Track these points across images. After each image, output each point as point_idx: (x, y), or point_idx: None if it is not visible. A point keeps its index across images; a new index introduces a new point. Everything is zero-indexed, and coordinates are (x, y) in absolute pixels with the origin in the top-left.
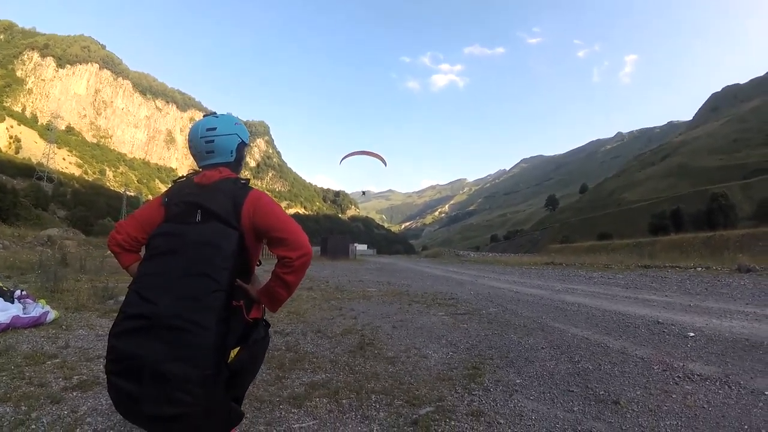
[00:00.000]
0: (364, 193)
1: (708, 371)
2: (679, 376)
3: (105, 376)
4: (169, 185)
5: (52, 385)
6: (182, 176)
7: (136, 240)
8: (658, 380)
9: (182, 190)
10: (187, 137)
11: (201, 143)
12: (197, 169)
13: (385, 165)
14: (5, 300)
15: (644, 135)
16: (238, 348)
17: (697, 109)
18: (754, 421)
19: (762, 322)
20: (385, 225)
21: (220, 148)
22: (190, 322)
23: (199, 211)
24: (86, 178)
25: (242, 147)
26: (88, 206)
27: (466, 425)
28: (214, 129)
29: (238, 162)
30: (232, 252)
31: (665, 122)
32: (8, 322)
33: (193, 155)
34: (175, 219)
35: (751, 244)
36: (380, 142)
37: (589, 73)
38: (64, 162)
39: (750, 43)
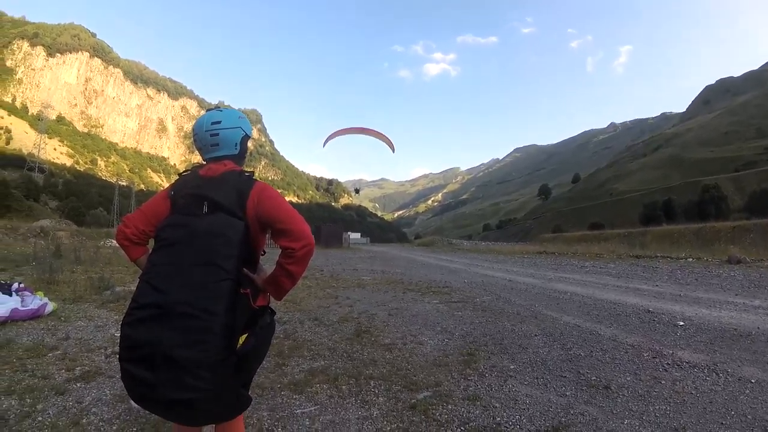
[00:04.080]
0: (357, 191)
1: (696, 359)
2: (668, 363)
3: (107, 367)
4: (161, 174)
5: (55, 376)
6: (187, 169)
7: (143, 233)
8: (647, 367)
9: (188, 183)
10: (192, 131)
11: (206, 136)
12: (201, 161)
13: (393, 151)
14: (3, 293)
15: (637, 126)
16: (246, 334)
17: (691, 101)
18: (740, 408)
19: (750, 313)
20: (378, 213)
21: (224, 140)
22: (200, 309)
23: (205, 202)
24: (78, 168)
25: (246, 140)
26: (79, 196)
27: (462, 409)
28: (219, 122)
29: (242, 155)
30: (239, 241)
31: (658, 113)
32: (7, 315)
33: (198, 148)
34: (182, 211)
35: (742, 235)
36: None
37: (583, 63)
38: (55, 152)
39: (745, 37)
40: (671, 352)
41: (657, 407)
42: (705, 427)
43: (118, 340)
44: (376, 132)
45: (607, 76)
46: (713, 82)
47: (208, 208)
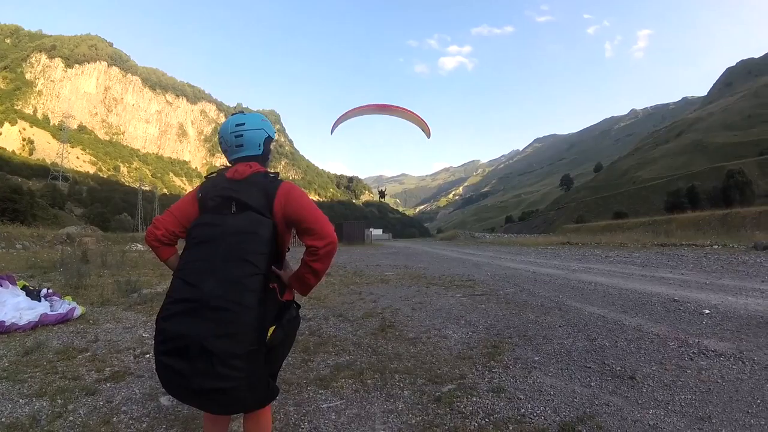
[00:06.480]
0: (382, 195)
1: (722, 347)
2: (694, 353)
3: (136, 367)
4: (183, 178)
5: (85, 378)
6: (213, 172)
7: (173, 234)
8: (673, 356)
9: (216, 185)
10: (218, 134)
11: (231, 138)
12: (225, 164)
13: (429, 136)
14: (33, 299)
15: (658, 112)
16: (274, 326)
17: (712, 84)
18: (767, 396)
19: None
20: (400, 209)
21: (248, 141)
22: (234, 302)
23: (234, 203)
24: (101, 175)
25: (269, 141)
26: (104, 203)
27: (487, 401)
28: (243, 124)
29: (266, 156)
30: (268, 239)
31: (680, 98)
32: (37, 319)
33: (224, 150)
34: (212, 211)
35: None
36: (391, 127)
37: (601, 49)
38: (78, 161)
39: (767, 17)
40: (697, 340)
41: (682, 396)
42: (731, 416)
43: (147, 341)
44: (403, 109)
45: (627, 62)
46: (734, 64)
47: (237, 208)
